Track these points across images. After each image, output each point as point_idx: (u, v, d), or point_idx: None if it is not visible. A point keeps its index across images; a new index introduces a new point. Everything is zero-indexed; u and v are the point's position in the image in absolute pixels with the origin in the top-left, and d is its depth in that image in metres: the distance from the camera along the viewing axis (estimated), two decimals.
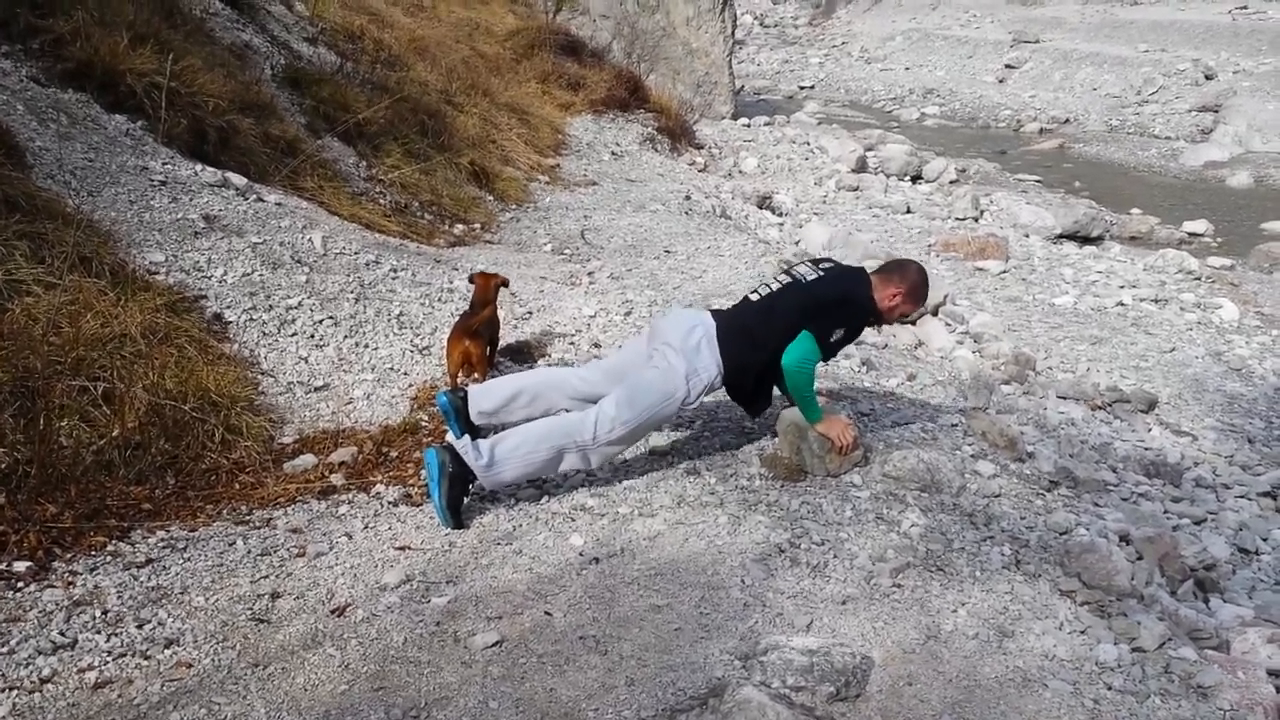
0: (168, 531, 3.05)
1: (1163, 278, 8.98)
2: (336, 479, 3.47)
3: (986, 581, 3.07)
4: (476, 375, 3.97)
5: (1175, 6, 23.84)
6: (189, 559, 2.91)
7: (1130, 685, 2.65)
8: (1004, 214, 11.01)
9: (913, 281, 3.60)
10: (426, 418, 3.92)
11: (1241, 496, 5.12)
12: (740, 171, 11.82)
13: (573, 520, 3.26)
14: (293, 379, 3.97)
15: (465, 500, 3.24)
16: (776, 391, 3.74)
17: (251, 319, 4.12)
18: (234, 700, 2.36)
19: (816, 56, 27.64)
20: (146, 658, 2.49)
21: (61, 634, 2.51)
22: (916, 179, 13.17)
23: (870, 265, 3.87)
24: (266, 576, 2.88)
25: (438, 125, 7.51)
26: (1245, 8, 22.74)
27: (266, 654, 2.54)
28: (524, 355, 4.54)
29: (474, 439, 3.25)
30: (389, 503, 3.36)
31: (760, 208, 9.77)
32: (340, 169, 6.20)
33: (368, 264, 4.82)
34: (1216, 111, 18.01)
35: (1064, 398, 6.10)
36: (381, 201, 6.26)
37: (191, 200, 4.58)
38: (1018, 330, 7.31)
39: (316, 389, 3.97)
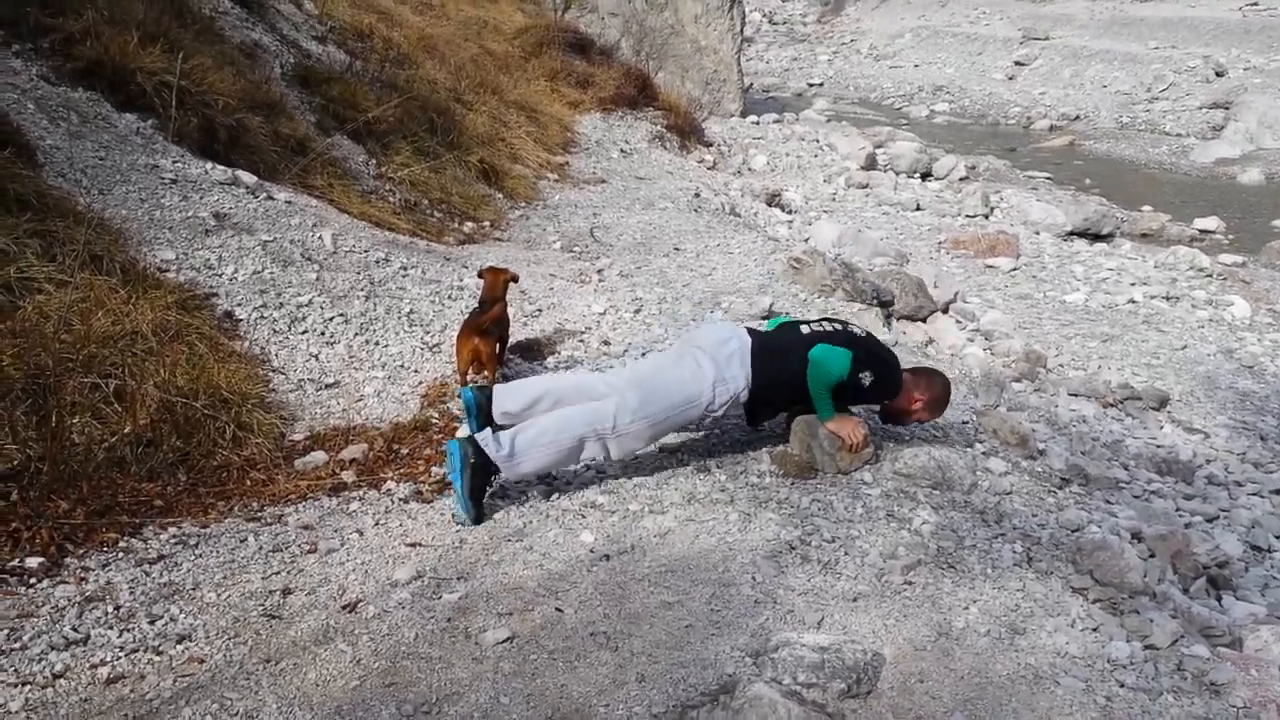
0: (179, 528, 3.06)
1: (1174, 275, 8.92)
2: (347, 476, 3.48)
3: (998, 579, 3.06)
4: (486, 373, 3.98)
5: (1185, 3, 23.68)
6: (200, 555, 2.92)
7: (1142, 683, 2.64)
8: (1014, 211, 10.94)
9: (935, 394, 3.73)
10: (437, 415, 3.92)
11: (1254, 494, 5.09)
12: (749, 169, 11.79)
13: (583, 517, 3.26)
14: (303, 376, 3.98)
15: (488, 492, 3.25)
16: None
17: (262, 316, 4.13)
18: (246, 695, 2.37)
19: (825, 54, 27.53)
20: (158, 653, 2.49)
21: (74, 629, 2.52)
22: (926, 176, 13.12)
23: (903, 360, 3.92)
24: (278, 572, 2.89)
25: (447, 123, 7.51)
26: (1256, 4, 22.57)
27: (278, 649, 2.55)
28: (533, 352, 4.54)
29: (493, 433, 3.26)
30: (400, 499, 3.36)
31: (769, 205, 9.75)
32: (350, 167, 6.22)
33: (378, 262, 4.83)
34: (1227, 108, 17.88)
35: (1075, 395, 6.07)
36: (391, 199, 6.27)
37: (202, 198, 4.60)
38: (1028, 327, 7.27)
39: (327, 386, 3.98)
